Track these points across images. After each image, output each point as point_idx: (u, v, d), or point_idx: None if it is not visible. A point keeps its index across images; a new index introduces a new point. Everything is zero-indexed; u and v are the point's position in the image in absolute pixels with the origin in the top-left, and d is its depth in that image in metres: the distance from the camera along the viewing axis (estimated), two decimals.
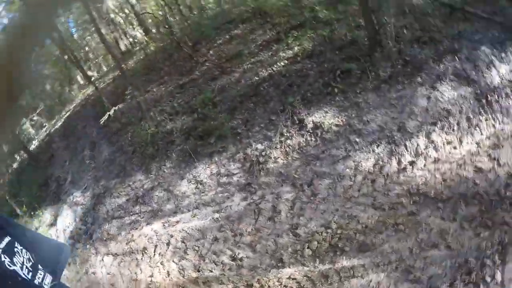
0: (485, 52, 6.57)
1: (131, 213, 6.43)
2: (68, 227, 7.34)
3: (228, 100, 6.62)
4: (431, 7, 8.49)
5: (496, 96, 5.72)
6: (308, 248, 4.12)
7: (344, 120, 5.09)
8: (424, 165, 4.60)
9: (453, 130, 4.94)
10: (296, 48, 7.29)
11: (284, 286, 3.84)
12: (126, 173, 7.24)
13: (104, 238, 6.21)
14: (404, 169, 4.59)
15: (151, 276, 4.50)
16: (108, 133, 8.56)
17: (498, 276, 3.22)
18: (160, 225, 5.74)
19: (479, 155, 4.67)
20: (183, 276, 4.74)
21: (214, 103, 6.77)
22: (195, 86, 7.93)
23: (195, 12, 14.68)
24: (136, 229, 6.03)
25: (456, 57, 6.18)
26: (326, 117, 5.23)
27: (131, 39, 17.06)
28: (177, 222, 5.56)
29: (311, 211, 4.46)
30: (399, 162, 4.66)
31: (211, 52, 9.24)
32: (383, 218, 4.07)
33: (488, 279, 3.22)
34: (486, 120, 5.27)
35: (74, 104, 14.71)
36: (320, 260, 3.96)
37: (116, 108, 7.73)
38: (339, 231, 4.09)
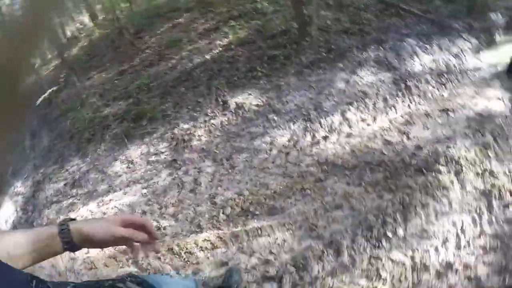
0: (410, 44, 7.26)
1: (69, 196, 6.64)
2: (9, 218, 7.43)
3: (162, 85, 7.04)
4: (366, 2, 9.15)
5: (415, 81, 6.36)
6: (222, 213, 4.51)
7: (264, 101, 5.60)
8: (337, 139, 5.14)
9: (369, 109, 5.51)
10: (231, 36, 7.79)
11: (200, 247, 4.17)
12: (64, 158, 7.45)
13: (44, 223, 6.38)
14: (318, 143, 5.11)
15: (87, 252, 4.73)
16: (49, 121, 8.73)
17: (401, 232, 3.72)
18: (95, 205, 6.00)
19: (390, 130, 5.27)
20: (115, 249, 5.00)
21: (149, 88, 7.17)
22: (134, 73, 8.30)
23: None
24: (73, 211, 6.25)
25: (380, 47, 6.85)
26: (249, 99, 5.71)
27: (77, 25, 17.04)
28: (110, 200, 5.84)
29: (228, 182, 4.89)
30: (313, 137, 5.19)
31: (153, 39, 9.63)
32: (291, 184, 4.55)
33: (390, 234, 3.71)
34: (402, 101, 5.90)
35: None
36: (233, 224, 4.35)
37: (51, 90, 7.91)
38: (250, 197, 4.52)
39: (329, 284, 3.40)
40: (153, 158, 5.90)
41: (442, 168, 4.40)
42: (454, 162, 4.47)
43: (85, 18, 16.52)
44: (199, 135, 5.85)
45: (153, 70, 7.92)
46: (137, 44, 9.74)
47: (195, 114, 6.17)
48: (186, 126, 6.08)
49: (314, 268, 3.57)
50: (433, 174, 4.31)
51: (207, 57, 7.34)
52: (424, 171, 4.36)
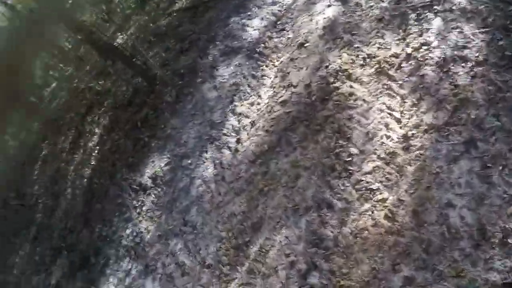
0: (235, 21, 7.69)
1: None
2: None
3: (76, 221, 6.73)
4: (176, 19, 9.49)
5: (262, 44, 6.73)
6: None
7: (169, 155, 5.62)
8: (247, 134, 5.42)
9: (248, 93, 5.87)
10: (96, 129, 7.76)
11: None
12: None
13: None
14: (236, 150, 5.39)
15: None
16: None
17: (354, 150, 4.16)
18: None
19: (277, 93, 5.56)
20: None
21: (64, 236, 6.75)
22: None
23: None
24: None
25: (216, 42, 7.12)
26: (155, 166, 5.68)
27: None
28: None
29: (202, 240, 4.95)
30: (229, 149, 5.47)
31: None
32: (249, 196, 4.77)
33: (349, 158, 4.12)
34: (266, 66, 6.30)
35: None
36: None
37: None
38: (230, 234, 4.65)
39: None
40: (128, 280, 5.62)
41: (337, 84, 4.86)
42: (339, 72, 4.99)
43: None
44: (145, 228, 5.77)
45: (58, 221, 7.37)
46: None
47: (125, 215, 6.09)
48: (128, 231, 5.94)
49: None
50: (335, 92, 4.77)
51: (93, 163, 7.24)
52: (326, 96, 4.81)
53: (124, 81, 8.30)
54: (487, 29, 4.50)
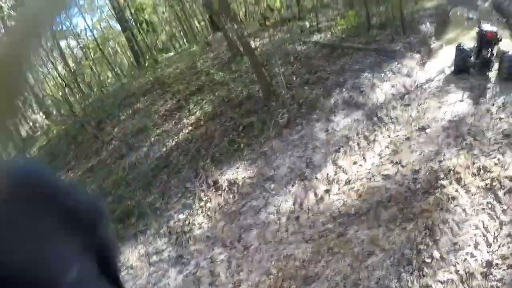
0: (366, 77, 8.18)
1: None
2: None
3: (140, 177, 7.16)
4: (313, 50, 10.25)
5: (385, 110, 7.11)
6: None
7: (255, 171, 5.95)
8: (339, 189, 5.67)
9: (355, 151, 6.14)
10: (197, 112, 8.55)
11: None
12: None
13: None
14: (322, 198, 5.61)
15: None
16: None
17: (436, 254, 4.17)
18: None
19: (383, 164, 5.84)
20: None
21: (127, 182, 7.23)
22: (105, 167, 8.45)
23: (95, 90, 15.53)
24: None
25: (343, 89, 7.62)
26: (239, 173, 6.05)
27: (31, 124, 17.35)
28: None
29: (248, 264, 5.11)
30: (315, 194, 5.66)
31: (116, 129, 10.10)
32: (316, 247, 4.88)
33: (429, 260, 4.13)
34: (381, 133, 6.59)
35: None
36: None
37: None
38: (280, 274, 4.73)
39: None
40: (154, 258, 5.93)
41: (444, 182, 5.03)
42: (451, 172, 5.15)
43: (38, 117, 16.83)
44: (199, 222, 6.08)
45: (125, 161, 8.14)
46: (101, 136, 10.03)
47: (187, 201, 6.42)
48: (181, 216, 6.31)
49: None
50: (439, 190, 4.93)
51: (180, 138, 7.70)
52: (430, 190, 4.94)
53: (242, 82, 8.97)
54: None
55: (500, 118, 6.48)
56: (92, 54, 18.81)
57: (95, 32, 21.12)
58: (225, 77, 9.57)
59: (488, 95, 7.52)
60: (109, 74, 21.20)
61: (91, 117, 11.58)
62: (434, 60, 10.67)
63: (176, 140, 7.77)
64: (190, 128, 8.09)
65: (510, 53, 7.98)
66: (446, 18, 15.56)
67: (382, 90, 7.85)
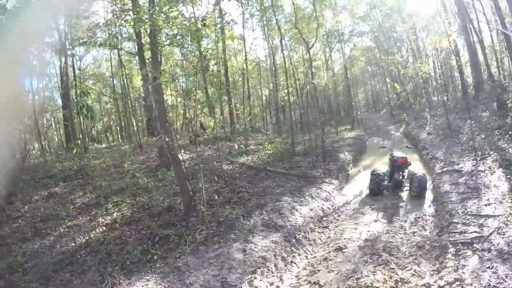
0: (286, 201, 8.51)
1: None
2: None
3: (41, 268, 6.31)
4: (239, 171, 10.75)
5: (303, 232, 7.28)
6: None
7: (167, 286, 5.58)
8: None
9: (272, 272, 6.01)
10: (115, 214, 8.08)
11: None
12: None
13: None
14: None
15: None
16: None
17: None
18: None
19: (300, 285, 5.74)
20: None
21: (24, 269, 6.32)
22: (4, 246, 7.34)
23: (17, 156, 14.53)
24: None
25: (263, 211, 7.84)
26: (149, 285, 5.62)
27: None
28: None
29: None
30: None
31: (26, 207, 9.20)
32: None
33: None
34: (299, 254, 6.63)
35: None
36: None
37: None
38: None
39: None
40: None
41: None
42: None
43: None
44: None
45: (28, 246, 7.14)
46: (8, 210, 8.95)
47: None
48: None
49: None
50: None
51: (91, 237, 7.14)
52: None
53: (165, 192, 8.91)
54: None
55: (413, 232, 6.99)
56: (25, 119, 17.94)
57: (36, 97, 20.11)
58: (150, 183, 9.47)
59: (401, 213, 8.20)
60: (36, 145, 20.26)
61: (3, 184, 10.64)
62: (352, 184, 11.61)
63: (87, 238, 7.15)
64: (104, 228, 7.49)
65: (418, 175, 9.19)
66: (363, 147, 17.51)
67: (301, 213, 8.08)
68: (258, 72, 27.66)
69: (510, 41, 12.77)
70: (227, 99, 20.10)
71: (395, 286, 5.19)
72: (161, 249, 6.40)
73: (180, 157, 8.60)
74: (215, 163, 11.35)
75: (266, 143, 15.87)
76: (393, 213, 8.17)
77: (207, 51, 8.29)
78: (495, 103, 16.06)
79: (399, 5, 25.73)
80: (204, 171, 10.09)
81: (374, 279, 5.32)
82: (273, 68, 21.92)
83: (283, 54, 19.25)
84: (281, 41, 18.49)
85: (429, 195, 9.18)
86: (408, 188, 9.50)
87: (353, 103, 30.77)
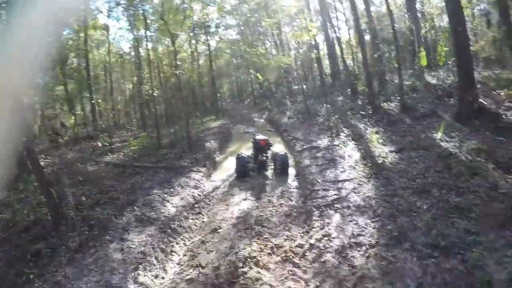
0: (157, 194, 8.56)
1: None
2: None
3: None
4: (105, 170, 10.39)
5: (177, 221, 7.60)
6: None
7: None
8: None
9: (154, 265, 6.08)
10: None
11: None
12: None
13: None
14: None
15: None
16: None
17: None
18: None
19: (184, 271, 5.92)
20: None
21: None
22: None
23: None
24: None
25: (134, 207, 7.74)
26: None
27: None
28: None
29: None
30: None
31: None
32: None
33: None
34: (177, 243, 6.91)
35: None
36: None
37: None
38: None
39: None
40: None
41: (245, 269, 5.41)
42: (248, 259, 5.62)
43: None
44: None
45: None
46: None
47: None
48: None
49: None
50: (242, 276, 5.26)
51: None
52: (234, 279, 5.23)
53: (29, 204, 8.12)
54: (377, 219, 5.82)
55: (281, 204, 7.82)
56: None
57: None
58: (11, 197, 8.56)
59: (268, 190, 8.98)
60: None
61: None
62: (219, 170, 12.15)
63: None
64: None
65: (280, 154, 10.15)
66: (228, 135, 18.31)
67: (173, 203, 8.24)
68: (121, 65, 26.47)
69: (363, 37, 15.17)
70: (88, 95, 18.89)
71: (271, 252, 5.82)
72: (36, 266, 5.92)
73: (42, 163, 7.95)
74: (79, 165, 10.73)
75: (131, 139, 15.50)
76: (260, 190, 8.92)
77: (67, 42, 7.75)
78: (349, 89, 19.31)
79: (266, 1, 27.24)
80: (69, 175, 9.53)
81: (251, 250, 5.87)
82: (138, 60, 21.10)
83: (147, 46, 18.90)
84: (145, 32, 18.11)
85: (292, 171, 10.20)
86: (272, 167, 10.39)
87: (218, 94, 31.58)
